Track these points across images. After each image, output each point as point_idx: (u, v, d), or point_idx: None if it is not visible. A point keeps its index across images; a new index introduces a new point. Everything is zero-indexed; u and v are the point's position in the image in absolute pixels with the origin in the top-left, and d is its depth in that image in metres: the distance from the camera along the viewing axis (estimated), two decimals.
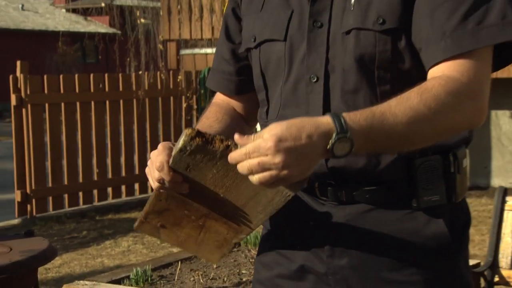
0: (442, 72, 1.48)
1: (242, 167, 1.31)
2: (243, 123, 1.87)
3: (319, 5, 1.62)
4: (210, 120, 1.80)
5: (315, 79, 1.61)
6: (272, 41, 1.69)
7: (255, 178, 1.30)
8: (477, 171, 8.86)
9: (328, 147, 1.32)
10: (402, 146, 1.47)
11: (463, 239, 1.67)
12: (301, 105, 1.64)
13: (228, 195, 1.45)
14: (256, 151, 1.29)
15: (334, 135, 1.32)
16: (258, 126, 1.85)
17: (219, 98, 1.90)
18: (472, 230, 6.15)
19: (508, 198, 2.64)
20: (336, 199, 1.63)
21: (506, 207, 2.64)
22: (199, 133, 1.37)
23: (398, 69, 1.56)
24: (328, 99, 1.60)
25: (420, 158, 1.57)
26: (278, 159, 1.28)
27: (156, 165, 1.45)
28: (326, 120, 1.34)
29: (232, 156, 1.32)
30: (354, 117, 1.36)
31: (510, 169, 8.80)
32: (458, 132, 1.54)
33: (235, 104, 1.88)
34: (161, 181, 1.46)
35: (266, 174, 1.29)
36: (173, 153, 1.42)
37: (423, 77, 1.52)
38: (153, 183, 1.49)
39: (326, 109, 1.59)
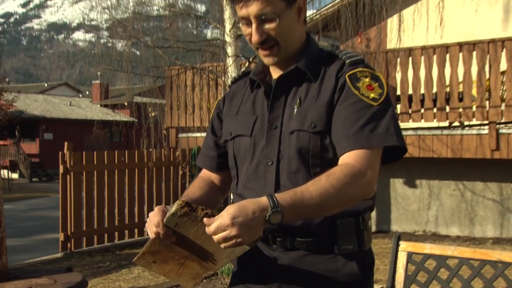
0: (345, 160, 1.52)
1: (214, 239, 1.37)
2: (218, 191, 1.85)
3: (275, 114, 1.65)
4: (194, 188, 1.80)
5: (270, 163, 1.63)
6: (242, 136, 1.71)
7: (222, 245, 1.37)
8: (382, 220, 8.87)
9: (266, 218, 1.36)
10: (319, 213, 1.50)
11: (370, 275, 1.67)
12: (260, 181, 1.65)
13: (203, 244, 1.45)
14: (220, 229, 1.34)
15: (269, 209, 1.36)
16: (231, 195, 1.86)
17: (204, 173, 1.89)
18: (378, 261, 6.10)
19: (400, 242, 2.64)
20: (283, 247, 1.62)
21: (399, 248, 2.63)
22: (187, 204, 1.41)
23: (324, 158, 1.59)
24: (278, 177, 1.62)
25: (340, 219, 1.58)
26: (234, 232, 1.33)
27: (154, 222, 1.49)
28: (265, 200, 1.38)
29: (207, 230, 1.37)
30: (283, 196, 1.40)
31: (403, 219, 8.84)
32: (356, 201, 1.54)
33: (215, 178, 1.86)
34: (156, 233, 1.49)
35: (228, 243, 1.35)
36: (167, 215, 1.44)
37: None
38: (150, 234, 1.51)
39: (277, 184, 1.61)
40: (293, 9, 1.61)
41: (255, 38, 1.59)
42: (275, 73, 1.69)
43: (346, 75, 1.58)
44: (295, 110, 1.61)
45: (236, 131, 1.73)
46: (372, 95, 1.55)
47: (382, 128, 1.53)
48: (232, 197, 1.79)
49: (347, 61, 1.61)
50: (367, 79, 1.58)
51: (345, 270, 1.60)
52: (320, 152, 1.58)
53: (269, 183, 1.62)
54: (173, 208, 1.41)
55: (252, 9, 1.55)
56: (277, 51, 1.61)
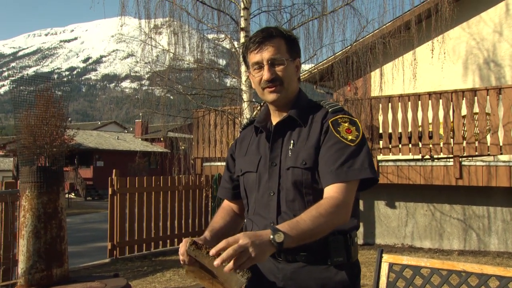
0: (329, 192, 1.50)
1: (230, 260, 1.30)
2: (237, 217, 1.83)
3: (274, 154, 1.65)
4: (217, 218, 1.78)
5: (272, 194, 1.62)
6: (250, 172, 1.70)
7: (233, 265, 1.29)
8: (368, 235, 8.75)
9: (271, 239, 1.33)
10: (313, 237, 1.44)
11: (357, 282, 1.64)
12: (265, 208, 1.63)
13: (217, 274, 1.42)
14: (241, 247, 1.28)
15: (271, 232, 1.33)
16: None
17: (225, 203, 1.87)
18: (365, 269, 5.95)
19: (383, 255, 2.59)
20: (286, 259, 1.61)
21: (382, 260, 2.58)
22: (194, 242, 1.39)
23: (315, 188, 1.57)
24: (279, 205, 1.60)
25: (331, 237, 1.56)
26: (251, 249, 1.29)
27: (180, 252, 1.44)
28: (268, 229, 1.36)
29: (224, 245, 1.31)
30: (283, 225, 1.38)
31: (385, 234, 8.71)
32: (339, 225, 1.49)
33: (233, 206, 1.85)
34: (183, 260, 1.45)
35: (243, 259, 1.29)
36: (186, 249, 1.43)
37: None
38: (181, 260, 1.47)
39: (278, 210, 1.59)
40: (294, 63, 1.65)
41: (267, 75, 1.60)
42: (274, 119, 1.70)
43: (329, 121, 1.59)
44: (290, 150, 1.61)
45: (245, 168, 1.72)
46: (350, 137, 1.55)
47: (358, 164, 1.52)
48: (245, 221, 1.77)
49: (330, 109, 1.63)
50: (346, 124, 1.58)
51: (337, 278, 1.57)
52: (311, 183, 1.57)
53: (272, 210, 1.60)
54: (187, 245, 1.41)
55: (266, 55, 1.60)
56: (280, 89, 1.62)
